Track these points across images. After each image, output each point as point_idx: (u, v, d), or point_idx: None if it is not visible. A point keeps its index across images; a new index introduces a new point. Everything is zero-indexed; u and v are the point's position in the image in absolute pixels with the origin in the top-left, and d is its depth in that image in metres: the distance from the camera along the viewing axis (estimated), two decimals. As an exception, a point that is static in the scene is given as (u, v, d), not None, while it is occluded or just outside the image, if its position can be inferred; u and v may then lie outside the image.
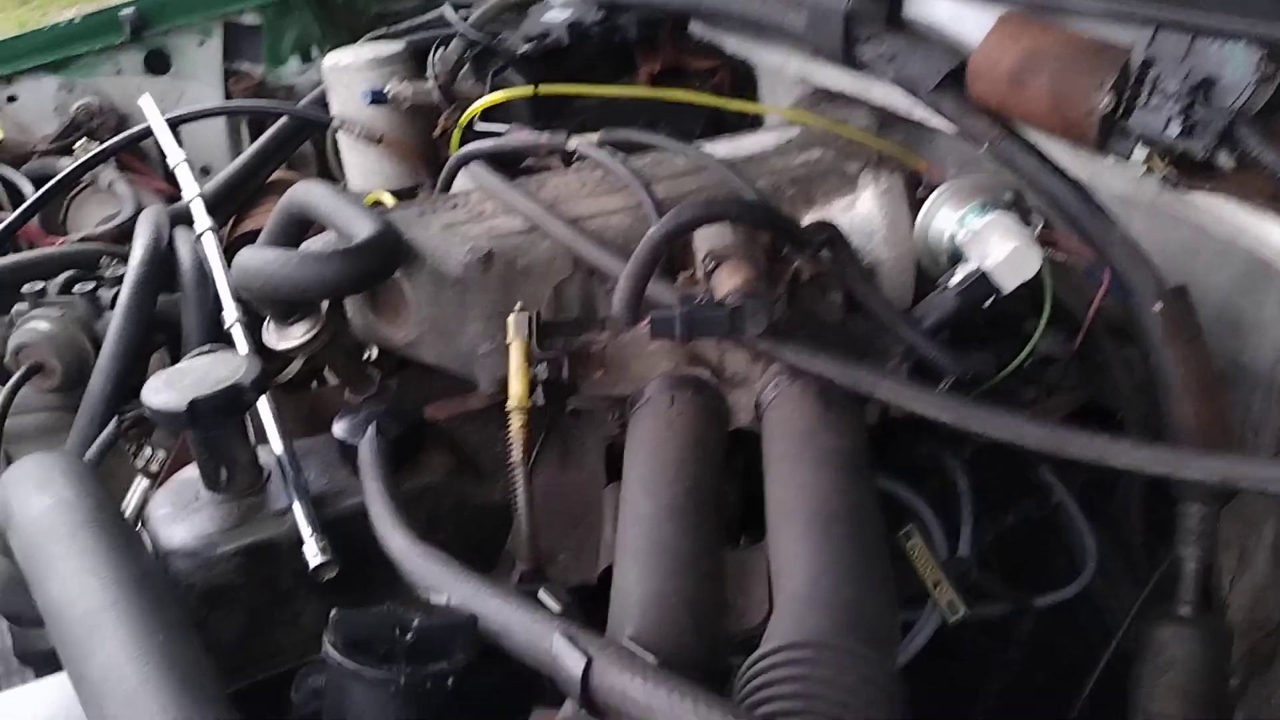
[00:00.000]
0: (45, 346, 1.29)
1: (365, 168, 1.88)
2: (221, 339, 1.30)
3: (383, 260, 1.12)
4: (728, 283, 0.99)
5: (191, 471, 1.14)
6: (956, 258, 1.19)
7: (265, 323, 1.26)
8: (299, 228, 1.32)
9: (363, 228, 1.13)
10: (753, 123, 1.91)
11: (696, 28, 1.91)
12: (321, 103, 1.95)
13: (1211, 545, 1.14)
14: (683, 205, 1.01)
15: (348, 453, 1.12)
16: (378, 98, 1.78)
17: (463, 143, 1.75)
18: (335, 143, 2.18)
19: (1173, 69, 1.02)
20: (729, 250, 1.04)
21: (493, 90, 1.73)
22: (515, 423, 1.04)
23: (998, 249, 1.13)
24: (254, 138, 2.37)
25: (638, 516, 0.88)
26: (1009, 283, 1.13)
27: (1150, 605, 1.19)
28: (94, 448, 1.18)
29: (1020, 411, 0.96)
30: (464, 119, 1.68)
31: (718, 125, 1.88)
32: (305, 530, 1.03)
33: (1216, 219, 1.12)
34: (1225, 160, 1.02)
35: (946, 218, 1.21)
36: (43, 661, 1.07)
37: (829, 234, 1.09)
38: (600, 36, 1.86)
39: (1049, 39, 1.13)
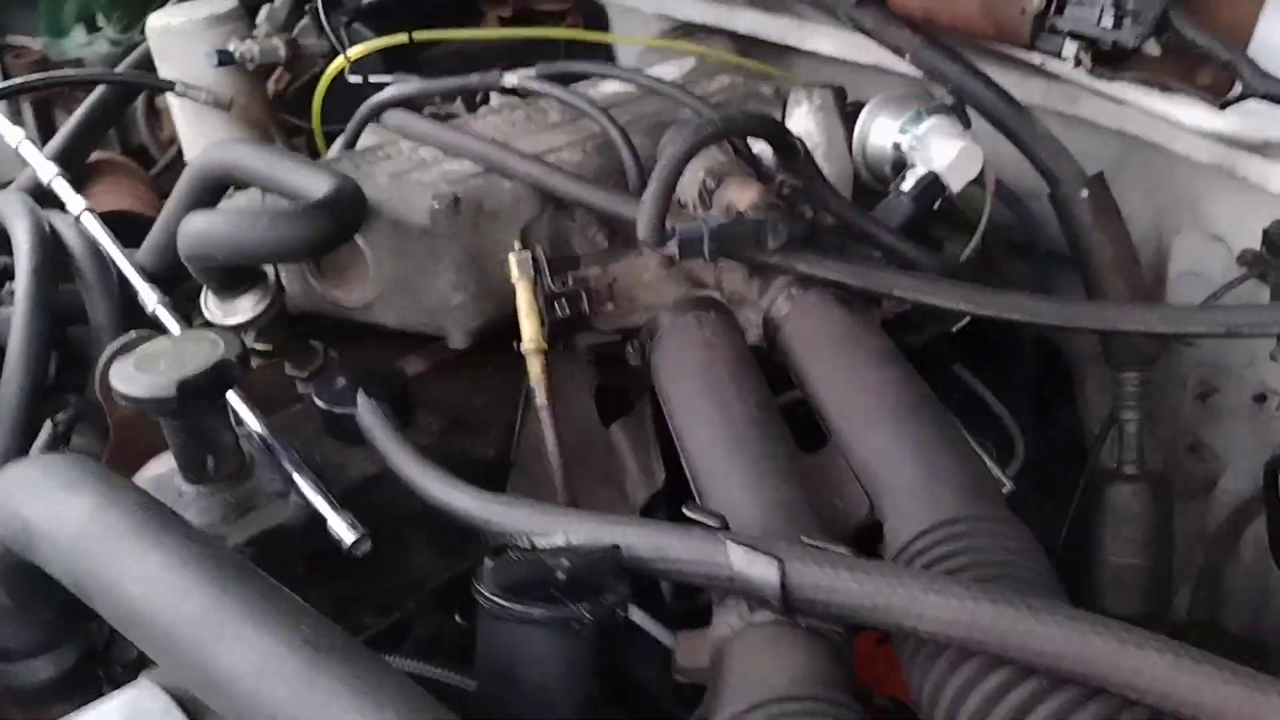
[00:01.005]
0: None
1: (210, 137, 1.73)
2: (139, 325, 1.18)
3: (352, 214, 1.05)
4: (742, 198, 0.99)
5: (159, 467, 1.04)
6: (900, 165, 1.23)
7: (202, 298, 1.15)
8: (214, 195, 1.21)
9: (320, 183, 1.05)
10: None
11: (543, -31, 1.88)
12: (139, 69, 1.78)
13: (1149, 407, 1.26)
14: (700, 122, 1.00)
15: (336, 424, 1.05)
16: (225, 58, 1.65)
17: (328, 99, 1.66)
18: (149, 115, 2.01)
19: (1096, -33, 1.10)
20: (727, 169, 1.04)
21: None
22: (535, 365, 1.01)
23: (945, 151, 1.18)
24: (39, 118, 2.14)
25: (716, 435, 0.87)
26: (958, 182, 1.19)
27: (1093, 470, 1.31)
28: (35, 456, 1.04)
29: (1030, 293, 1.02)
30: (331, 72, 1.58)
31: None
32: (324, 508, 0.96)
33: (1121, 108, 1.23)
34: (1152, 47, 1.11)
35: (885, 127, 1.25)
36: (32, 697, 0.96)
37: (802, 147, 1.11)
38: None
39: (968, -55, 1.18)
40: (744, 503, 0.81)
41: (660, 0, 1.77)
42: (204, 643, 0.66)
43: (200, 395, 0.94)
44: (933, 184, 1.18)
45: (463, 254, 1.12)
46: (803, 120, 1.28)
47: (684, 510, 0.74)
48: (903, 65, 1.47)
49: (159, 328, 1.14)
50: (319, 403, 1.06)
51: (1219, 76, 1.13)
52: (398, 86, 1.29)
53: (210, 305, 1.14)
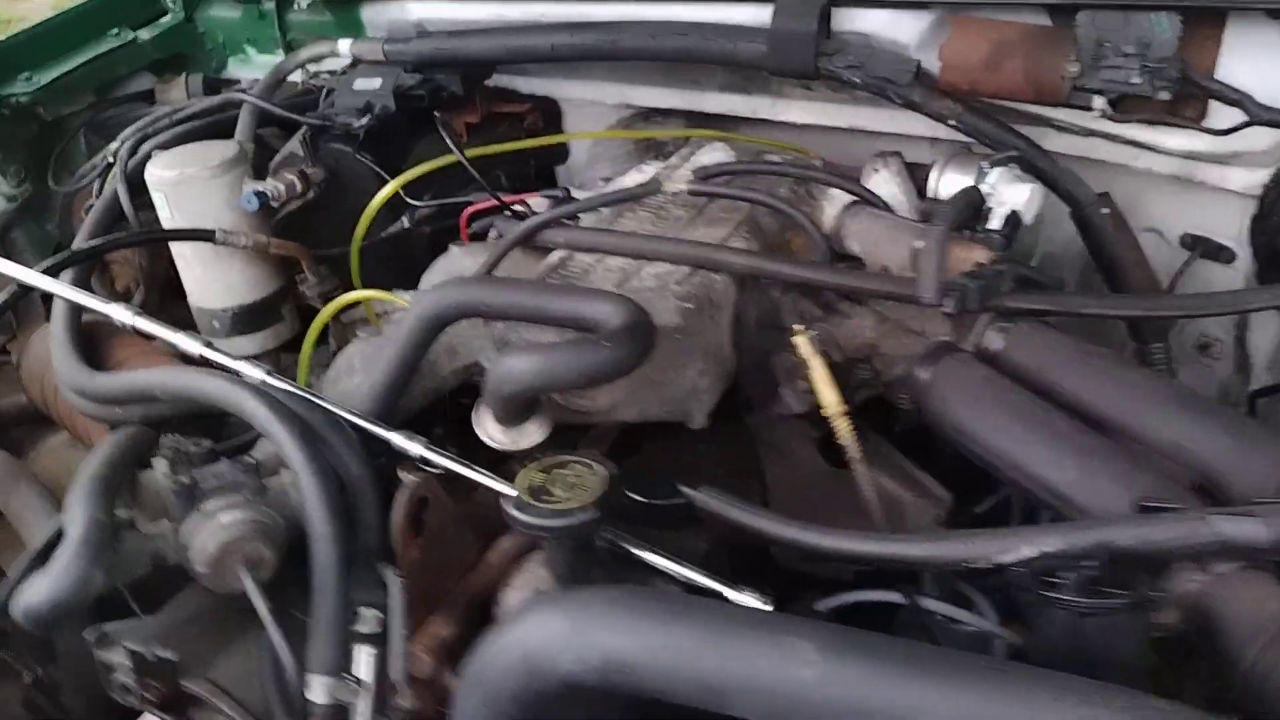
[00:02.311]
0: (257, 538, 1.07)
1: (233, 280, 1.68)
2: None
3: (652, 333, 1.14)
4: (971, 257, 1.19)
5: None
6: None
7: (479, 424, 1.19)
8: (435, 336, 1.25)
9: (609, 310, 1.14)
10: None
11: (500, 77, 1.97)
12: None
13: (1172, 369, 1.59)
14: (954, 198, 1.19)
15: (659, 514, 1.15)
16: (262, 199, 1.61)
17: (374, 226, 1.68)
18: (101, 271, 1.88)
19: (1122, 38, 1.41)
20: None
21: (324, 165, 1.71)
22: (843, 427, 1.16)
23: (1019, 192, 1.45)
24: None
25: (1060, 446, 1.07)
26: (1030, 216, 1.45)
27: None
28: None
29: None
30: (388, 192, 1.62)
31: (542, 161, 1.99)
32: (728, 592, 1.06)
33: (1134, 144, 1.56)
34: (1164, 94, 1.43)
35: (956, 181, 1.49)
36: None
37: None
38: (426, 98, 1.85)
39: (1009, 31, 1.46)
40: (1119, 491, 1.01)
41: (623, 91, 1.93)
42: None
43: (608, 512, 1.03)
44: (1012, 220, 1.44)
45: (706, 345, 1.24)
46: (885, 184, 1.50)
47: (1142, 504, 0.94)
48: (879, 125, 1.75)
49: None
50: (640, 498, 1.14)
51: (1197, 109, 1.48)
52: (553, 207, 1.38)
53: (494, 434, 1.18)
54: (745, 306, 1.30)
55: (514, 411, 1.17)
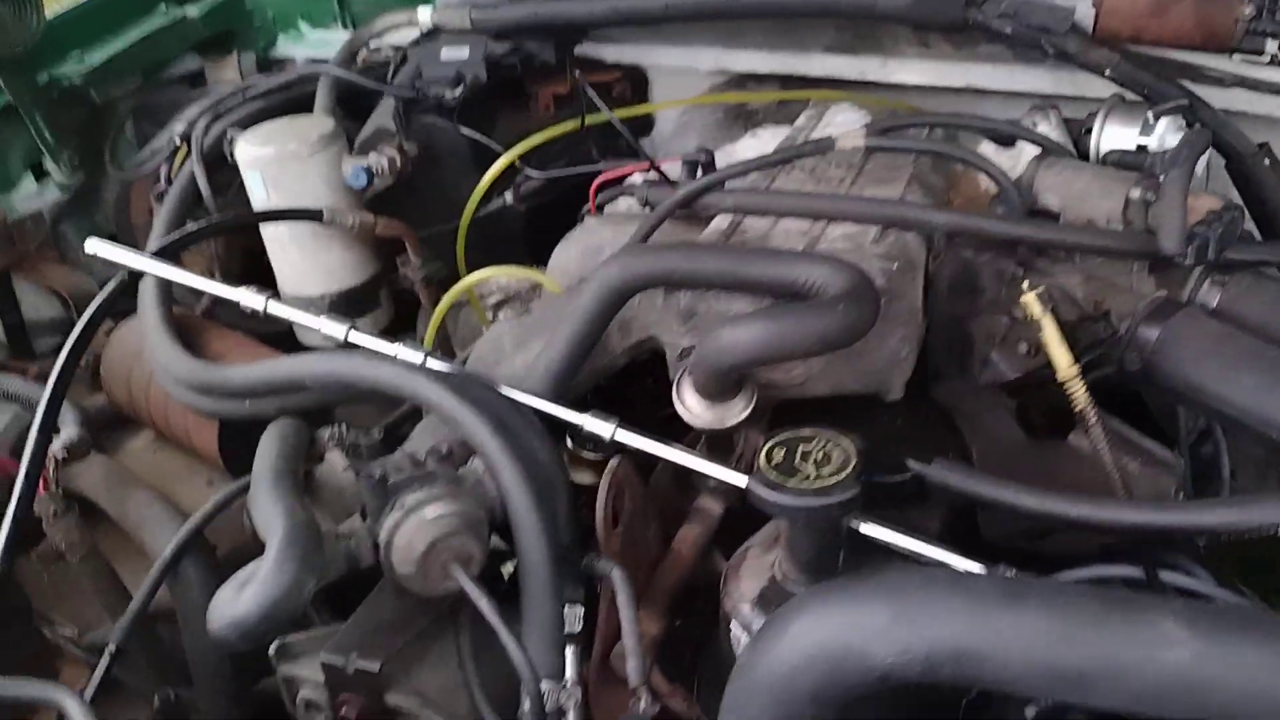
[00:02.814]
0: (466, 532, 0.95)
1: (333, 264, 1.56)
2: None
3: (877, 297, 1.04)
4: (1201, 206, 1.11)
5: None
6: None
7: (680, 399, 1.09)
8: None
9: (832, 274, 1.04)
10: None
11: (585, 45, 1.86)
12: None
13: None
14: (1185, 140, 1.10)
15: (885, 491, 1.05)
16: (369, 176, 1.50)
17: (493, 189, 1.57)
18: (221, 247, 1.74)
19: (1300, -22, 1.34)
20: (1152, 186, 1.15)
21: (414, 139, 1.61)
22: (1078, 389, 1.07)
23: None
24: None
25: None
26: (1202, 166, 1.37)
27: None
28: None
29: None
30: (503, 164, 1.52)
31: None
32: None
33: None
34: (1341, 35, 1.36)
35: (1120, 134, 1.40)
36: None
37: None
38: (517, 66, 1.74)
39: (1179, -26, 1.38)
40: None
41: (719, 56, 1.82)
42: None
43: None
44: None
45: (908, 310, 1.14)
46: (1048, 132, 1.42)
47: None
48: (997, 84, 1.66)
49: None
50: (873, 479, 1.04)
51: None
52: (694, 172, 1.28)
53: (698, 410, 1.08)
54: (939, 270, 1.21)
55: (726, 386, 1.06)
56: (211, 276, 1.73)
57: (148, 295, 1.43)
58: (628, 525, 1.09)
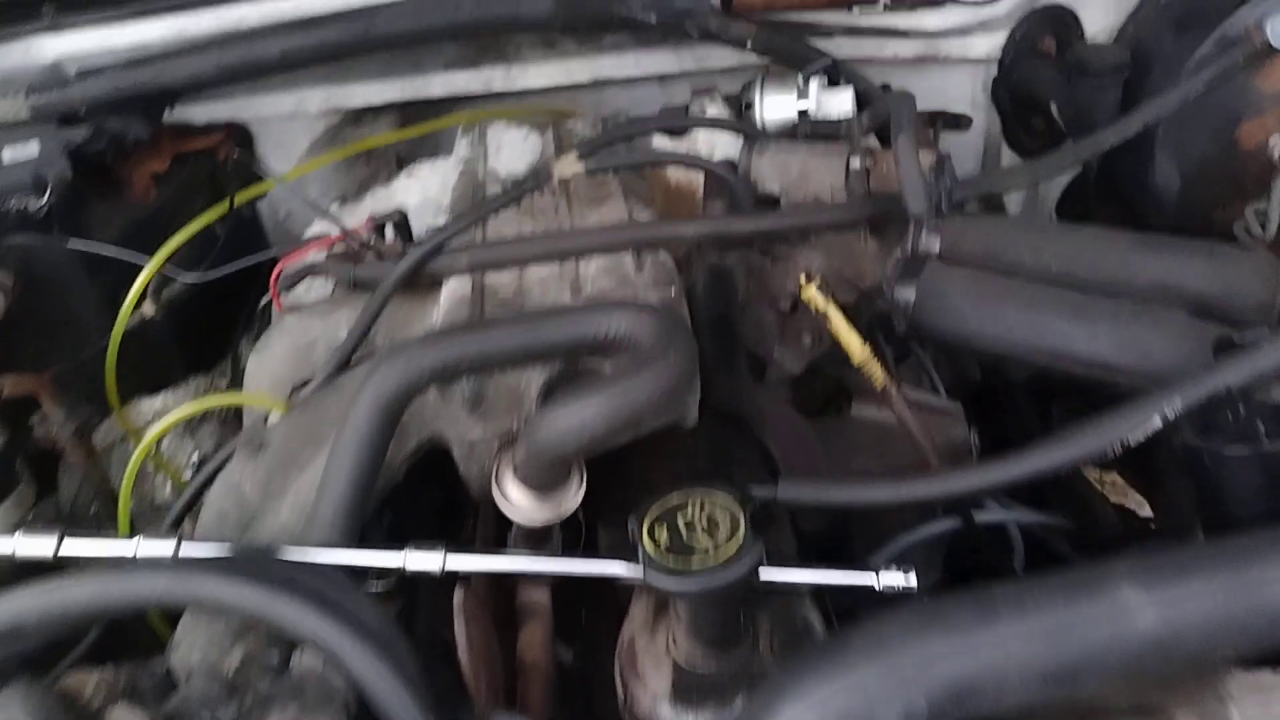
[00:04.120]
0: None
1: None
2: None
3: (689, 333, 0.98)
4: (926, 158, 1.14)
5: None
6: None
7: (506, 501, 0.95)
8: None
9: (636, 317, 0.95)
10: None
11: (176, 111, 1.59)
12: None
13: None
14: (895, 104, 1.11)
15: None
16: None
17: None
18: None
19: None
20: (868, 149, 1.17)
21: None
22: (875, 369, 1.07)
23: (844, 98, 1.42)
24: None
25: (1097, 314, 1.07)
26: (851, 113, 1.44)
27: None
28: None
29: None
30: (143, 281, 1.27)
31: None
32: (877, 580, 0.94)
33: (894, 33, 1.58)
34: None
35: (780, 103, 1.43)
36: None
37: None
38: (105, 151, 1.46)
39: (792, -61, 1.41)
40: (1161, 341, 1.03)
41: (329, 94, 1.64)
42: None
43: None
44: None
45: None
46: (721, 116, 1.41)
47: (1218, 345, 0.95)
48: (623, 72, 1.66)
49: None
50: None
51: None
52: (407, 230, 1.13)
53: (531, 508, 0.95)
54: (692, 276, 1.16)
55: (559, 474, 0.95)
56: None
57: None
58: (482, 654, 0.95)
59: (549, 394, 1.01)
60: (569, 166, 1.16)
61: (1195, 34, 1.42)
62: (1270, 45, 1.31)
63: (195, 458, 1.44)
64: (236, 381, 1.42)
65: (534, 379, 1.00)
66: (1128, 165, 1.52)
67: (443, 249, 1.11)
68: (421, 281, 1.14)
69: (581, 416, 0.89)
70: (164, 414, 1.32)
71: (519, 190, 1.15)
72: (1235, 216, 1.36)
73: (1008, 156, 1.76)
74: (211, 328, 1.46)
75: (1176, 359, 1.03)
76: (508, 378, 1.00)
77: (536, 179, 1.16)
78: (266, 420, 1.17)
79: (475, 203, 1.25)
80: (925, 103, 1.69)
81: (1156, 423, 0.93)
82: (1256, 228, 1.32)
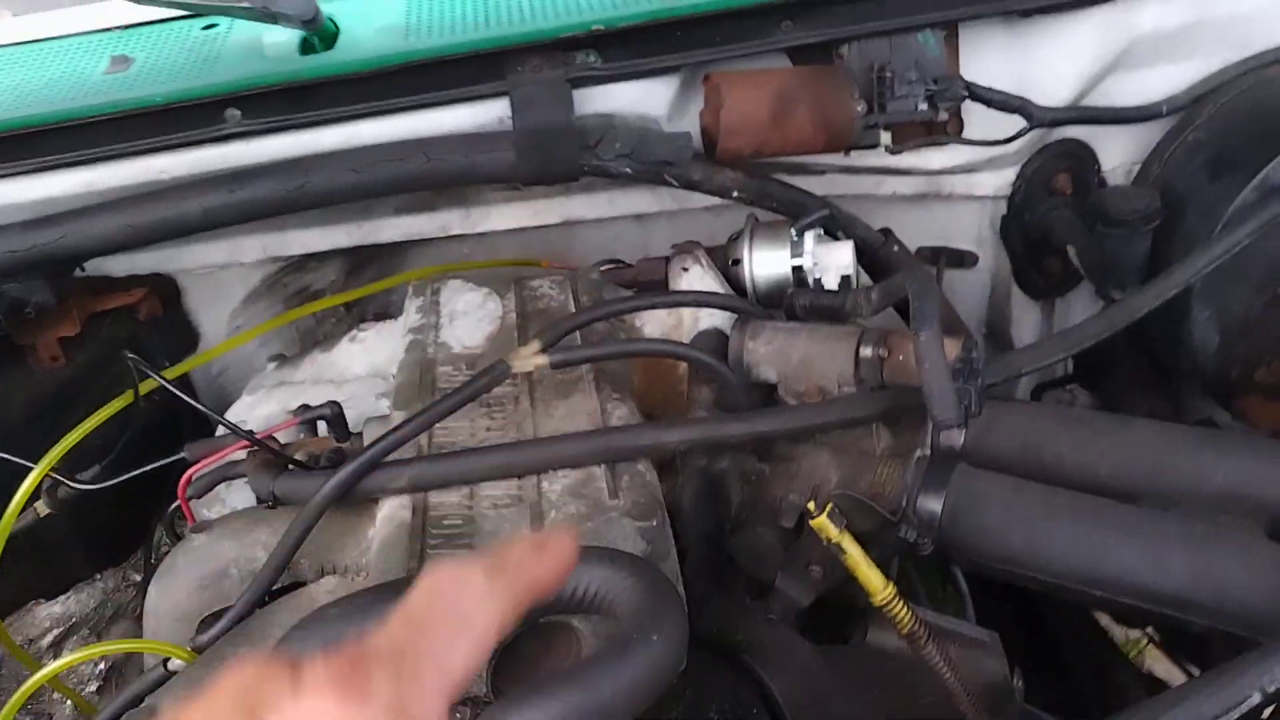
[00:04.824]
0: None
1: None
2: None
3: (677, 594, 0.78)
4: (951, 351, 0.96)
5: None
6: (803, 282, 1.27)
7: None
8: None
9: (623, 571, 0.77)
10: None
11: (91, 263, 1.41)
12: None
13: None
14: (913, 290, 0.93)
15: None
16: None
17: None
18: None
19: (899, 64, 1.27)
20: (886, 336, 0.99)
21: None
22: (900, 610, 0.88)
23: (842, 253, 1.26)
24: None
25: (1165, 537, 0.89)
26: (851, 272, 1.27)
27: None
28: None
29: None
30: (39, 474, 1.05)
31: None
32: None
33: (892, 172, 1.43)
34: (944, 115, 1.31)
35: (772, 258, 1.26)
36: None
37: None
38: (3, 323, 1.27)
39: (785, 80, 1.25)
40: (1242, 575, 0.86)
41: (267, 242, 1.46)
42: None
43: None
44: (846, 285, 1.25)
45: (671, 565, 0.90)
46: (700, 282, 1.24)
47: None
48: (596, 212, 1.49)
49: None
50: None
51: (957, 124, 1.39)
52: (344, 429, 0.93)
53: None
54: (677, 490, 0.97)
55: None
56: None
57: None
58: None
59: (504, 659, 0.82)
60: (530, 360, 0.98)
61: (1232, 178, 1.27)
62: (1317, 194, 1.16)
63: (102, 668, 1.24)
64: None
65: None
66: (1160, 318, 1.35)
67: (378, 463, 0.92)
68: (357, 498, 0.95)
69: (542, 726, 0.69)
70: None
71: (471, 391, 0.96)
72: (1281, 375, 1.19)
73: (1016, 295, 1.61)
74: (121, 518, 1.26)
75: (1261, 596, 0.85)
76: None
77: (492, 377, 0.97)
78: (167, 664, 0.96)
79: (423, 386, 1.06)
80: (928, 238, 1.56)
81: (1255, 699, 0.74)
82: (1305, 389, 1.15)
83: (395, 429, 0.92)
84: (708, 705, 0.97)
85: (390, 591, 0.78)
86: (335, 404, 1.03)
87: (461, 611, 0.48)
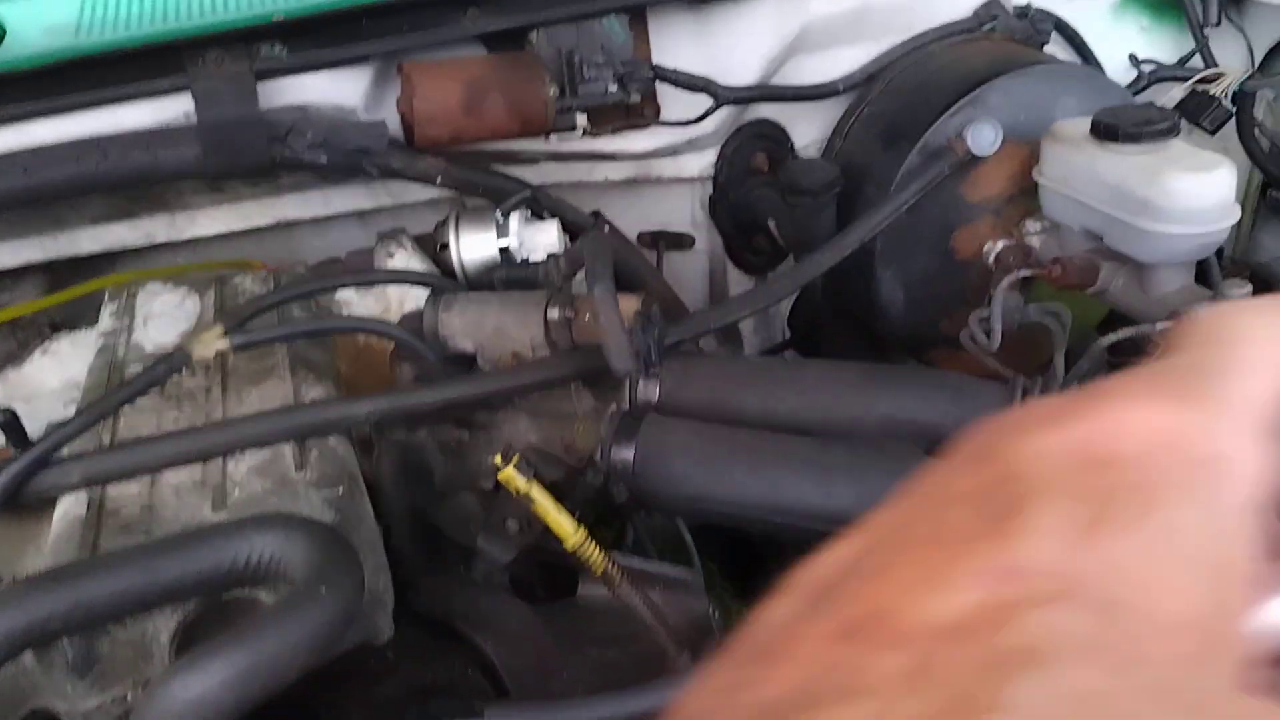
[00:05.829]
0: None
1: None
2: None
3: (352, 552, 0.78)
4: (629, 307, 1.00)
5: None
6: (512, 262, 1.30)
7: None
8: None
9: (288, 534, 0.76)
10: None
11: None
12: None
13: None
14: (588, 250, 0.96)
15: None
16: None
17: None
18: None
19: (586, 50, 1.32)
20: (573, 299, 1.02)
21: None
22: (593, 552, 0.91)
23: (548, 232, 1.30)
24: None
25: (830, 465, 0.96)
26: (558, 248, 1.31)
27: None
28: None
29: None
30: None
31: None
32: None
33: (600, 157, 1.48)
34: (636, 97, 1.37)
35: (480, 241, 1.29)
36: None
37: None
38: None
39: (476, 68, 1.28)
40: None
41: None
42: None
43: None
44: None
45: (368, 532, 0.90)
46: (405, 264, 1.25)
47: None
48: (311, 211, 1.49)
49: None
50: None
51: (653, 106, 1.45)
52: (20, 437, 0.89)
53: None
54: (376, 463, 0.98)
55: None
56: None
57: None
58: None
59: (188, 639, 0.80)
60: (211, 344, 0.96)
61: (901, 147, 1.38)
62: (973, 154, 1.28)
63: None
64: None
65: (163, 625, 0.79)
66: (853, 281, 1.46)
67: (49, 461, 0.88)
68: (30, 501, 0.91)
69: (205, 685, 0.69)
70: None
71: (148, 379, 0.94)
72: (961, 326, 1.30)
73: (734, 274, 1.69)
74: None
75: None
76: (128, 628, 0.79)
77: (171, 363, 0.95)
78: None
79: (111, 388, 1.03)
80: (647, 223, 1.62)
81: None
82: (981, 336, 1.26)
83: (62, 424, 0.89)
84: (424, 678, 0.98)
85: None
86: (8, 410, 0.98)
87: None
